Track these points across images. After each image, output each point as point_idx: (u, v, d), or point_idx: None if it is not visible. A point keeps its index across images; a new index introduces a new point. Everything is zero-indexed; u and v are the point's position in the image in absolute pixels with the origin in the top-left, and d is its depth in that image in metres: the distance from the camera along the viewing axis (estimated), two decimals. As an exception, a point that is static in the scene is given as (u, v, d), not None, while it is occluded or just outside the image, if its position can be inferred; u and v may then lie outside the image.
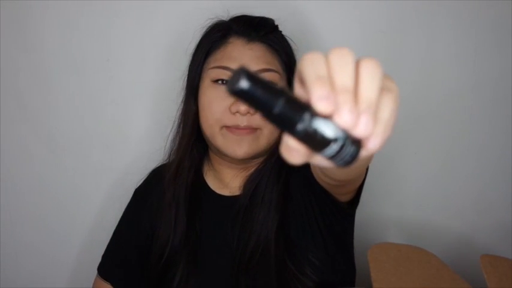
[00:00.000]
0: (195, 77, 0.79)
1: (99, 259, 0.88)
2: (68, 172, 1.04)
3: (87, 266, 1.06)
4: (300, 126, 0.28)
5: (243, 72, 0.27)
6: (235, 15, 0.81)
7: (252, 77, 0.27)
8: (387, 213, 1.09)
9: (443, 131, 1.05)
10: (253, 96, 0.27)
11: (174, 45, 0.94)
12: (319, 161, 0.30)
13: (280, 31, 0.81)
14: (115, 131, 1.03)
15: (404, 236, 1.10)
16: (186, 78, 0.82)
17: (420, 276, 0.76)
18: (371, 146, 0.29)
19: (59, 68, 0.99)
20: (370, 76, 0.28)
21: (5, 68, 0.99)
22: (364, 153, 0.30)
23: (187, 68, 0.82)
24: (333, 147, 0.28)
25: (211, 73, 0.76)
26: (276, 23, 0.81)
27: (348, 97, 0.27)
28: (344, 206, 0.74)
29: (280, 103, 0.27)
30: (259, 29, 0.76)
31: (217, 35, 0.78)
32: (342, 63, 0.28)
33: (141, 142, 1.03)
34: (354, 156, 0.29)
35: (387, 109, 0.29)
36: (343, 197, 0.73)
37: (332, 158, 0.29)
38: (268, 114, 0.28)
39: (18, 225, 1.05)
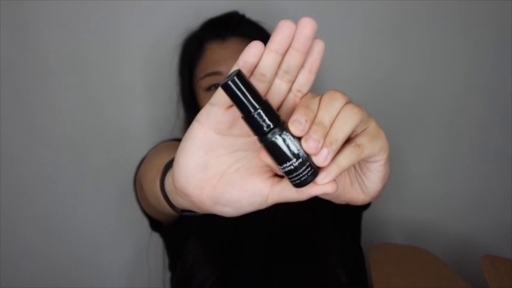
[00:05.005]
0: (190, 94, 0.81)
1: (99, 259, 0.87)
2: (68, 172, 1.04)
3: (87, 266, 1.06)
4: (270, 134, 0.32)
5: (238, 72, 0.31)
6: (203, 22, 0.83)
7: (243, 79, 0.31)
8: (387, 213, 1.09)
9: (443, 131, 1.05)
10: (238, 94, 0.31)
11: (174, 45, 0.94)
12: (279, 173, 0.34)
13: (248, 19, 0.83)
14: (115, 131, 1.03)
15: (404, 236, 1.10)
16: (181, 98, 0.84)
17: (421, 276, 0.76)
18: (320, 179, 0.33)
19: (59, 68, 0.99)
20: (344, 121, 0.33)
21: (5, 68, 0.99)
22: (314, 185, 0.33)
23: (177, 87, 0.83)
24: (292, 163, 0.32)
25: (201, 84, 0.77)
26: (241, 13, 0.83)
27: (320, 129, 0.32)
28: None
29: (259, 108, 0.31)
30: (228, 25, 0.79)
31: (194, 48, 0.80)
32: (328, 104, 0.33)
33: (141, 142, 1.03)
34: (306, 182, 0.33)
35: (347, 159, 0.33)
36: None
37: (288, 173, 0.33)
38: (247, 115, 0.32)
39: (18, 225, 1.05)
